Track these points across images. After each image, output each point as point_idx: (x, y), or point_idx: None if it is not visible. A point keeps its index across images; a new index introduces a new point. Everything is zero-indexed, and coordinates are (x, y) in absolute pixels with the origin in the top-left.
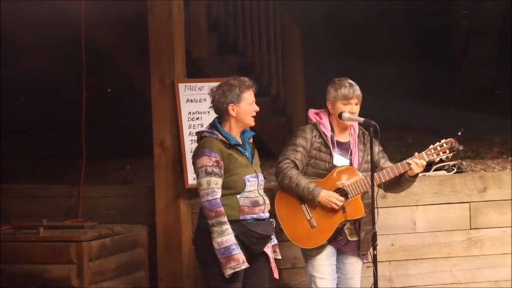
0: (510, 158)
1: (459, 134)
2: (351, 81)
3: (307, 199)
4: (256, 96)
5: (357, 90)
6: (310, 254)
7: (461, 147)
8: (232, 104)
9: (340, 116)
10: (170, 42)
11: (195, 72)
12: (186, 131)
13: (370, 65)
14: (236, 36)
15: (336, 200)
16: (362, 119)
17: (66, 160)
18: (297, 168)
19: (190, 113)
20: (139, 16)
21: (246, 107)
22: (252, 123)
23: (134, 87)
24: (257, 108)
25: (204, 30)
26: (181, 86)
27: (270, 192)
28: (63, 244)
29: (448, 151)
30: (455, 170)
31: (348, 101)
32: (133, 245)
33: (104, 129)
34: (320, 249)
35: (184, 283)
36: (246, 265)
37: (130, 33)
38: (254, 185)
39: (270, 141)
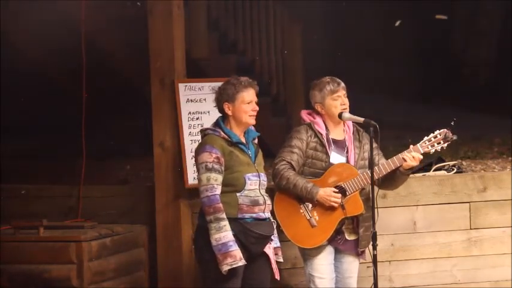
0: (510, 158)
1: (452, 124)
2: (330, 76)
3: (305, 199)
4: (256, 96)
5: (341, 82)
6: (309, 254)
7: (455, 137)
8: (227, 103)
9: (340, 116)
10: (170, 42)
11: (195, 72)
12: (186, 131)
13: (370, 65)
14: (236, 36)
15: (335, 197)
16: (362, 119)
17: (66, 160)
18: (294, 170)
19: (190, 113)
20: (139, 16)
21: (241, 106)
22: (251, 122)
23: (134, 87)
24: (256, 108)
25: (204, 30)
26: (181, 86)
27: (270, 192)
28: (63, 244)
29: (442, 142)
30: (455, 170)
31: (337, 94)
32: (133, 245)
33: (104, 129)
34: (319, 249)
35: (184, 283)
36: (243, 262)
37: (130, 33)
38: (255, 184)
39: (270, 141)
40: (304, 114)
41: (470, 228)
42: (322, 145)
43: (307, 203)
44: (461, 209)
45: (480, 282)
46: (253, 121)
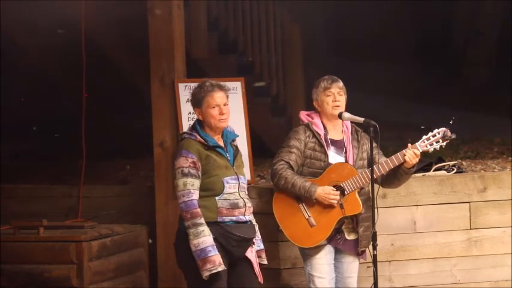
0: (510, 158)
1: (451, 122)
2: (329, 75)
3: (304, 198)
4: (255, 95)
5: (337, 81)
6: (308, 254)
7: (454, 136)
8: (197, 108)
9: (340, 116)
10: (170, 42)
11: (195, 72)
12: None
13: (370, 65)
14: (236, 36)
15: (334, 194)
16: (362, 119)
17: (66, 160)
18: (292, 169)
19: (190, 113)
20: (139, 16)
21: (208, 110)
22: (222, 126)
23: (134, 87)
24: (223, 112)
25: (204, 30)
26: (181, 86)
27: (270, 192)
28: (63, 244)
29: (441, 140)
30: (455, 170)
31: (329, 90)
32: (133, 245)
33: (104, 129)
34: (319, 248)
35: (184, 283)
36: (222, 267)
37: (130, 33)
38: (234, 187)
39: (270, 141)
40: (303, 115)
41: (470, 228)
42: (321, 145)
43: (305, 202)
44: (461, 209)
45: (480, 282)
46: (224, 124)
